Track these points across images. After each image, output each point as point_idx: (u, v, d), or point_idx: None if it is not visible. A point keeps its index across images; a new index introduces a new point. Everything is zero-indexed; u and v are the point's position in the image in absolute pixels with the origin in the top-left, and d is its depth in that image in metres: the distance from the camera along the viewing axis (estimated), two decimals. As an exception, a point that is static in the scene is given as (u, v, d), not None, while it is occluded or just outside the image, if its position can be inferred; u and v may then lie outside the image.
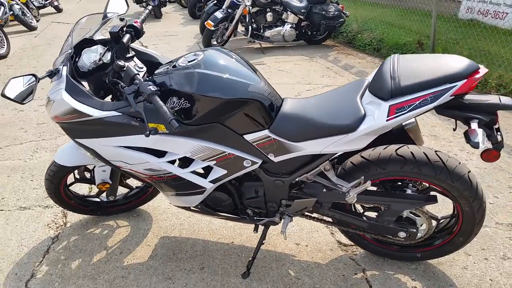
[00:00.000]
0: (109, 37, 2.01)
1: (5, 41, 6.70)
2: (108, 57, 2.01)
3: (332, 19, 6.63)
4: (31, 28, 8.87)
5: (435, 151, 1.86)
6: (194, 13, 9.66)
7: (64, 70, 1.90)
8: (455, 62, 1.67)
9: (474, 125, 1.65)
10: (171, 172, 1.95)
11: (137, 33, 2.00)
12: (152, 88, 1.67)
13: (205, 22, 6.39)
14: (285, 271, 2.17)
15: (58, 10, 11.50)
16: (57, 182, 2.27)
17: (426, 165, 1.81)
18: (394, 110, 1.66)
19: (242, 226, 2.49)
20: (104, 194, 2.48)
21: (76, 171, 2.39)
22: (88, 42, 2.06)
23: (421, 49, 5.65)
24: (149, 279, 2.14)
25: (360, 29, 7.06)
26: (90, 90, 1.94)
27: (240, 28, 6.90)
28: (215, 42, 6.64)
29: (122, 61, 1.88)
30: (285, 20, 6.72)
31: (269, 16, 6.67)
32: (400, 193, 1.98)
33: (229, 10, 6.50)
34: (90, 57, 2.00)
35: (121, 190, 2.62)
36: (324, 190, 1.95)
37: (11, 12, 8.31)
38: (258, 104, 1.78)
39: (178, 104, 1.78)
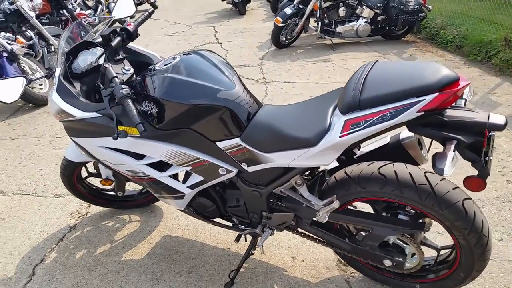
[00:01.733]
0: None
1: (94, 36, 7.34)
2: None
3: (411, 13, 6.12)
4: None
5: (426, 172, 1.61)
6: (276, 9, 9.62)
7: (57, 72, 2.01)
8: (431, 72, 1.40)
9: (448, 147, 1.39)
10: (149, 175, 1.96)
11: (129, 36, 2.02)
12: (124, 91, 1.68)
13: (274, 19, 6.33)
14: (270, 285, 2.07)
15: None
16: (68, 175, 2.42)
17: (409, 187, 1.58)
18: (349, 125, 1.47)
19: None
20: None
21: (88, 166, 2.52)
22: (88, 45, 2.14)
23: (508, 47, 4.96)
24: (137, 276, 2.19)
25: (445, 25, 6.42)
26: (79, 92, 2.01)
27: (313, 23, 6.72)
28: (284, 39, 6.55)
29: (108, 63, 1.92)
30: (360, 15, 6.36)
31: (341, 11, 6.38)
32: (383, 216, 1.76)
33: (300, 6, 6.35)
34: (86, 59, 2.08)
35: (137, 186, 2.72)
36: (299, 205, 1.81)
37: (107, 10, 9.03)
38: (228, 111, 1.70)
39: (150, 108, 1.79)
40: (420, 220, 1.72)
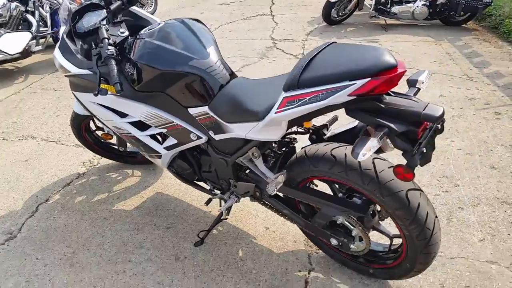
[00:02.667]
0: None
1: (153, 0, 7.60)
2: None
3: (474, -2, 5.70)
4: None
5: (376, 158, 1.59)
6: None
7: (61, 30, 2.18)
8: (371, 57, 1.34)
9: (376, 133, 1.36)
10: (131, 133, 2.10)
11: (129, 1, 2.14)
12: (109, 51, 1.81)
13: (326, -6, 6.17)
14: (235, 250, 2.16)
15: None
16: (77, 127, 2.64)
17: (354, 171, 1.57)
18: (285, 103, 1.47)
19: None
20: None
21: (96, 119, 2.72)
22: (95, 6, 2.28)
23: None
24: (121, 225, 2.37)
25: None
26: (79, 49, 2.17)
27: (368, 1, 6.47)
28: (335, 15, 6.38)
29: (105, 25, 2.06)
30: (418, -4, 6.03)
31: (399, -10, 6.08)
32: (332, 196, 1.76)
33: (355, -18, 6.14)
34: (91, 20, 2.22)
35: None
36: (258, 176, 1.86)
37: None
38: (198, 79, 1.77)
39: (131, 70, 1.90)
40: (371, 205, 1.71)
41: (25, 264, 2.13)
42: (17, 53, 2.19)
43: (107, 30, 1.99)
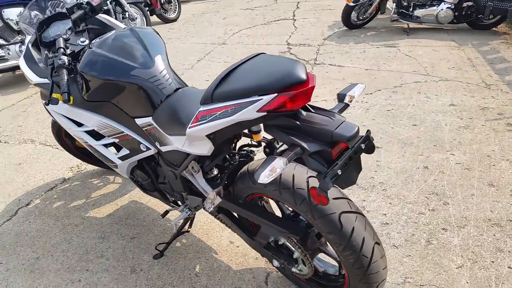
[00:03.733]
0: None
1: (177, 6, 7.70)
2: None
3: (503, 0, 5.34)
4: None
5: (311, 176, 1.48)
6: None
7: (27, 39, 2.21)
8: (282, 71, 1.22)
9: (287, 152, 1.24)
10: (87, 142, 2.08)
11: (92, 10, 2.13)
12: (60, 61, 1.81)
13: (347, -2, 6.00)
14: (193, 264, 2.09)
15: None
16: (56, 132, 2.66)
17: (287, 189, 1.46)
18: (199, 117, 1.40)
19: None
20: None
21: None
22: (63, 16, 2.30)
23: None
24: (89, 233, 2.37)
25: (547, 14, 5.47)
26: (43, 58, 2.18)
27: (391, 4, 6.23)
28: (356, 19, 6.19)
29: (65, 34, 2.06)
30: (443, -1, 5.73)
31: (423, -7, 5.81)
32: (273, 215, 1.66)
33: (376, -16, 5.93)
34: (58, 29, 2.24)
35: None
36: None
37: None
38: (140, 90, 1.73)
39: (81, 79, 1.89)
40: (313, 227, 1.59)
41: (-12, 268, 2.17)
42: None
43: (67, 40, 1.99)
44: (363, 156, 2.84)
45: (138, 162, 2.06)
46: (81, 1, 2.11)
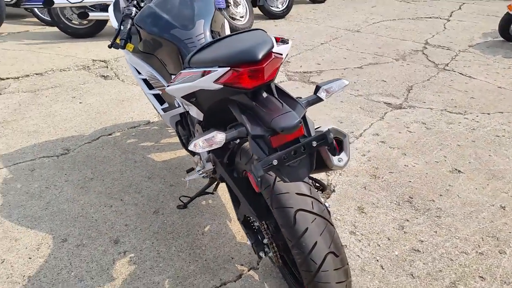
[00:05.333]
0: None
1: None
2: None
3: None
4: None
5: None
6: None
7: None
8: (245, 45, 1.22)
9: (229, 130, 1.21)
10: (143, 89, 2.28)
11: None
12: (127, 11, 2.03)
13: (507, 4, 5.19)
14: (205, 224, 2.16)
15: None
16: None
17: (258, 171, 1.42)
18: (176, 79, 1.43)
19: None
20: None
21: None
22: None
23: None
24: (141, 171, 2.61)
25: None
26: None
27: None
28: (517, 31, 5.35)
29: None
30: None
31: None
32: (251, 193, 1.62)
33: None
34: None
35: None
36: None
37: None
38: (175, 48, 1.83)
39: (136, 30, 2.08)
40: None
41: (55, 175, 2.57)
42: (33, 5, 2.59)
43: None
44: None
45: (180, 117, 2.19)
46: None
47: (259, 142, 1.19)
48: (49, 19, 5.70)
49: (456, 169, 2.65)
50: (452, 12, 6.94)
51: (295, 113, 1.16)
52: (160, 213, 2.24)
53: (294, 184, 1.36)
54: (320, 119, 3.31)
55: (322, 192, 1.72)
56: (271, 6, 6.40)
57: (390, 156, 2.80)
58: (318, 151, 1.56)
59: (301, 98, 1.37)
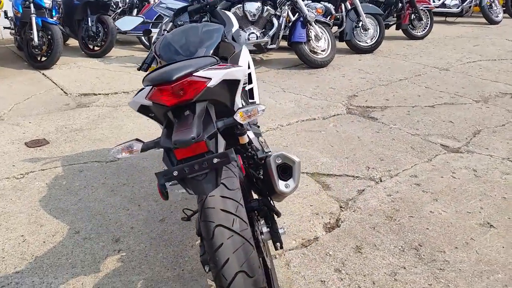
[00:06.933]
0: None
1: (428, 25, 7.30)
2: None
3: None
4: (492, 22, 8.65)
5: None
6: None
7: (165, 20, 2.79)
8: (169, 67, 1.35)
9: (150, 140, 1.33)
10: None
11: (207, 5, 2.51)
12: (155, 39, 2.34)
13: None
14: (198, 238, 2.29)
15: None
16: None
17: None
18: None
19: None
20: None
21: None
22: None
23: None
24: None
25: None
26: None
27: None
28: None
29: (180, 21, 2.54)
30: None
31: None
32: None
33: None
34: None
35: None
36: None
37: (476, 3, 8.50)
38: None
39: None
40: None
41: (96, 177, 2.92)
42: (125, 31, 2.96)
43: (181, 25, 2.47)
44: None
45: None
46: None
47: (169, 153, 1.30)
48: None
49: (488, 223, 2.38)
50: None
51: (195, 130, 1.25)
52: (165, 221, 2.42)
53: (222, 200, 1.42)
54: (358, 154, 3.22)
55: (277, 217, 1.73)
56: (359, 41, 6.37)
57: (418, 200, 2.62)
58: (267, 174, 1.62)
59: (226, 118, 1.44)
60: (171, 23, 2.59)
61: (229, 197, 1.44)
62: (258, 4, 5.48)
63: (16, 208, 2.54)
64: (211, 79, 1.38)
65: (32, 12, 5.42)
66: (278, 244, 1.70)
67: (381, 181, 2.86)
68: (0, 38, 7.33)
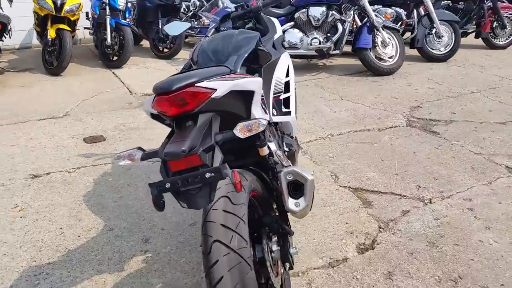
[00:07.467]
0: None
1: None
2: None
3: None
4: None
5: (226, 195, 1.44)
6: None
7: (211, 25, 2.78)
8: (177, 78, 1.30)
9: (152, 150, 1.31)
10: None
11: (253, 11, 2.47)
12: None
13: None
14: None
15: None
16: None
17: None
18: None
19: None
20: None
21: None
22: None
23: None
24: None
25: None
26: None
27: None
28: None
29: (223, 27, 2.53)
30: None
31: None
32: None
33: None
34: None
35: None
36: None
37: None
38: None
39: None
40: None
41: (141, 176, 3.01)
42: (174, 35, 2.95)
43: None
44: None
45: None
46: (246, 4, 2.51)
47: (165, 164, 1.28)
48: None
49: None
50: None
51: (188, 143, 1.21)
52: (195, 226, 2.42)
53: (223, 215, 1.38)
54: (410, 170, 3.00)
55: (290, 236, 1.65)
56: (432, 49, 5.99)
57: (468, 226, 2.38)
58: (278, 191, 1.55)
59: (226, 131, 1.38)
60: (214, 29, 2.60)
61: (232, 212, 1.39)
62: (323, 8, 5.35)
63: (62, 201, 2.68)
64: (216, 90, 1.34)
65: (107, 13, 5.76)
66: (287, 264, 1.62)
67: (430, 202, 2.64)
68: (82, 37, 7.86)
